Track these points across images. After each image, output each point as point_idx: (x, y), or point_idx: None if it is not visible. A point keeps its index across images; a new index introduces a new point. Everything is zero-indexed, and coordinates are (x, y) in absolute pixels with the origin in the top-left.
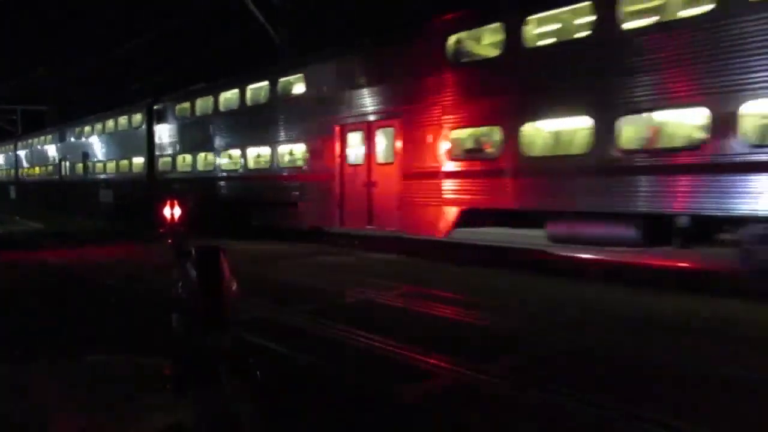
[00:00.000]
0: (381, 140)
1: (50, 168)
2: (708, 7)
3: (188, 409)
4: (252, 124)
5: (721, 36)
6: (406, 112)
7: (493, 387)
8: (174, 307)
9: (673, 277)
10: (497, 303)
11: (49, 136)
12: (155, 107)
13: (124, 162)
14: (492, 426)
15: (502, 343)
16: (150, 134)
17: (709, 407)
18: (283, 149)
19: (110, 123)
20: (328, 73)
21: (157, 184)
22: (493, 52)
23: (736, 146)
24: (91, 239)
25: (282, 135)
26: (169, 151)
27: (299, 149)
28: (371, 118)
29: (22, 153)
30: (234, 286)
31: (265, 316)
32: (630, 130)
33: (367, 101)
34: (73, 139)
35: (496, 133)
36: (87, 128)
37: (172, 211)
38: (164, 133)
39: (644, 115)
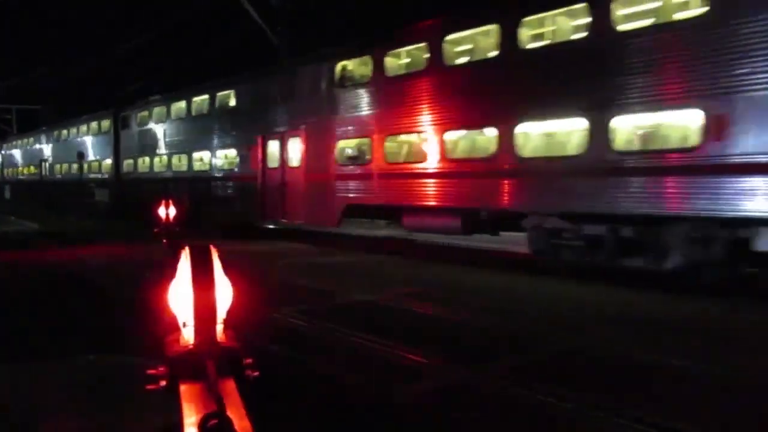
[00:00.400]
0: (291, 147)
1: (33, 168)
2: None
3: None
4: (196, 131)
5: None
6: (309, 125)
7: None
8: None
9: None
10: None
11: (31, 139)
12: (121, 114)
13: (95, 163)
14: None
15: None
16: (116, 139)
17: None
18: (220, 154)
19: (84, 127)
20: (251, 90)
21: (122, 183)
22: (366, 79)
23: (501, 159)
24: (88, 238)
25: (219, 142)
26: (132, 153)
27: (232, 154)
28: (284, 129)
29: (8, 153)
30: (228, 287)
31: (260, 318)
32: (452, 144)
33: (282, 115)
34: (50, 143)
35: (366, 144)
36: (64, 132)
37: (167, 211)
38: (127, 138)
39: (462, 132)
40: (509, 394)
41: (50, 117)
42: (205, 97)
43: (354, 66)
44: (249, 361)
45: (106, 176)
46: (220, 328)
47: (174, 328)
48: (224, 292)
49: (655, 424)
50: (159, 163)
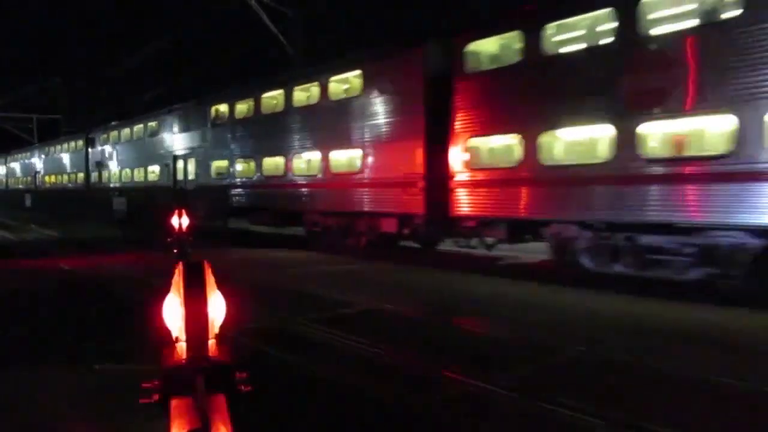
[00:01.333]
0: (189, 166)
1: (28, 178)
2: None
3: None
4: (136, 151)
5: None
6: (198, 149)
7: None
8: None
9: None
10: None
11: (27, 153)
12: (89, 136)
13: (72, 176)
14: None
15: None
16: (86, 156)
17: None
18: (150, 169)
19: (65, 145)
20: (168, 122)
21: (91, 192)
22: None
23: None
24: (103, 247)
25: (148, 160)
26: (97, 167)
27: (156, 170)
28: (185, 152)
29: (12, 165)
30: (221, 302)
31: (267, 325)
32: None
33: (184, 141)
34: (41, 157)
35: (225, 164)
36: (51, 149)
37: (180, 221)
38: (94, 155)
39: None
40: (523, 405)
41: (68, 127)
42: (141, 125)
43: (221, 108)
44: (242, 375)
45: (79, 185)
46: (212, 343)
47: (171, 341)
48: (217, 307)
49: None
50: (115, 176)
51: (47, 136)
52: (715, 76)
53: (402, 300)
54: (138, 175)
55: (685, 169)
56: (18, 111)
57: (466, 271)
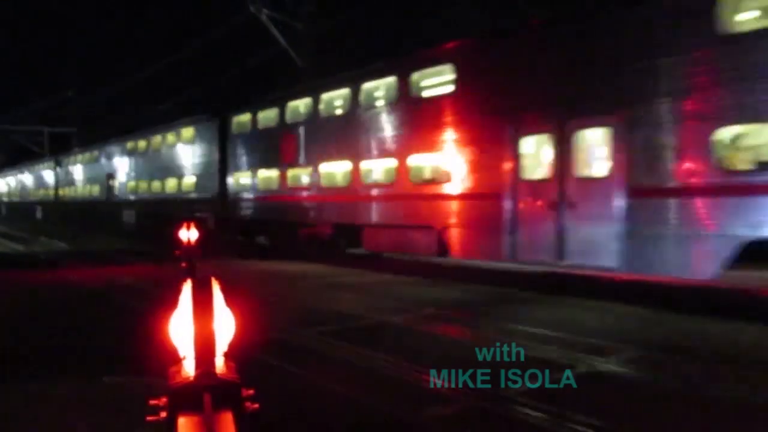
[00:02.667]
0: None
1: (23, 192)
2: None
3: None
4: (85, 173)
5: None
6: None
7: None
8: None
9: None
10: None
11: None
12: (57, 158)
13: (47, 191)
14: None
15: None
16: (56, 174)
17: None
18: (93, 187)
19: (40, 165)
20: (106, 152)
21: (57, 204)
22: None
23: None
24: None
25: (90, 179)
26: (62, 185)
27: (100, 187)
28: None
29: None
30: (230, 319)
31: (278, 337)
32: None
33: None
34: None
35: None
36: (34, 167)
37: (188, 234)
38: (60, 174)
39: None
40: (525, 418)
41: (80, 140)
42: (88, 153)
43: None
44: (249, 393)
45: (49, 198)
46: (220, 360)
47: (178, 358)
48: (225, 324)
49: None
50: (74, 191)
51: (60, 149)
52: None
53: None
54: (90, 189)
55: (377, 191)
56: (30, 124)
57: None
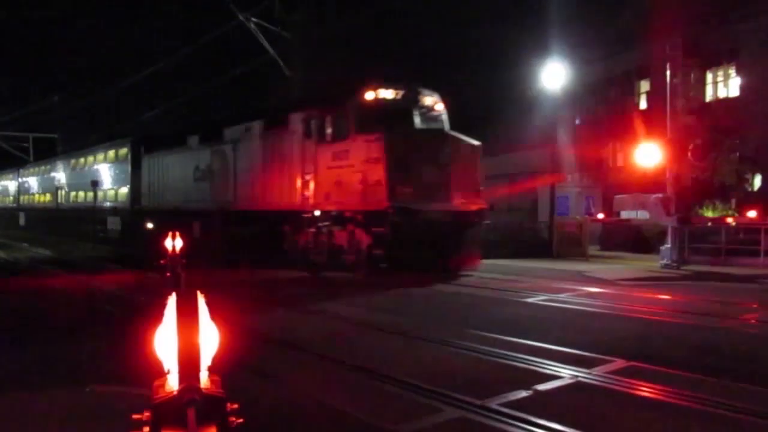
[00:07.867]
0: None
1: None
2: None
3: None
4: (38, 185)
5: None
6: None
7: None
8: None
9: None
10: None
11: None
12: (20, 170)
13: (9, 198)
14: None
15: None
16: (19, 185)
17: None
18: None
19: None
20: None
21: (19, 210)
22: None
23: None
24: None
25: (35, 191)
26: (22, 194)
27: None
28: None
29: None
30: (214, 333)
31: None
32: None
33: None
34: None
35: None
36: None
37: (173, 243)
38: (22, 185)
39: None
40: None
41: (64, 146)
42: (33, 169)
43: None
44: (233, 407)
45: (13, 206)
46: (204, 374)
47: (163, 372)
48: (210, 338)
49: None
50: (32, 199)
51: (43, 155)
52: None
53: None
54: (43, 199)
55: None
56: (14, 129)
57: None
